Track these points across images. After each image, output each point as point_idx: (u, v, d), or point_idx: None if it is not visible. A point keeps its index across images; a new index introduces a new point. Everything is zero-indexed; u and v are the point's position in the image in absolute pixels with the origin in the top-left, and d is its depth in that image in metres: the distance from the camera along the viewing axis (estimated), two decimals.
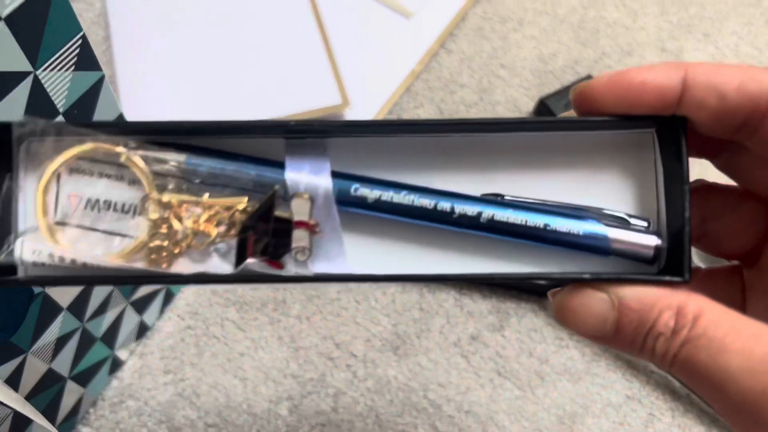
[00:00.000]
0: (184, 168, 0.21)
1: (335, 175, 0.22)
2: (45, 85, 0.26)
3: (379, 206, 0.22)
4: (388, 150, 0.23)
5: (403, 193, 0.22)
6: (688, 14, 0.66)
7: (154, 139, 0.21)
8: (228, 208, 0.21)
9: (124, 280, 0.22)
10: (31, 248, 0.21)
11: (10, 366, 0.33)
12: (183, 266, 0.21)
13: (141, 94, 0.54)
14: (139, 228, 0.21)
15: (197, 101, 0.54)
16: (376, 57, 0.58)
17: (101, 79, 0.29)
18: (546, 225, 0.21)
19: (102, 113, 0.31)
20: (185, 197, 0.21)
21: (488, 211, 0.21)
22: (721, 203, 0.23)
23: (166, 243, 0.21)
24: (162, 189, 0.21)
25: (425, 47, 0.59)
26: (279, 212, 0.21)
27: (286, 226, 0.21)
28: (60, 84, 0.27)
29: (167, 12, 0.58)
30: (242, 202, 0.21)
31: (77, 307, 0.37)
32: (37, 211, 0.21)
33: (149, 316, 0.45)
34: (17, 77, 0.25)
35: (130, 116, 0.33)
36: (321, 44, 0.57)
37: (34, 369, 0.35)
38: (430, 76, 0.59)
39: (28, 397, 0.36)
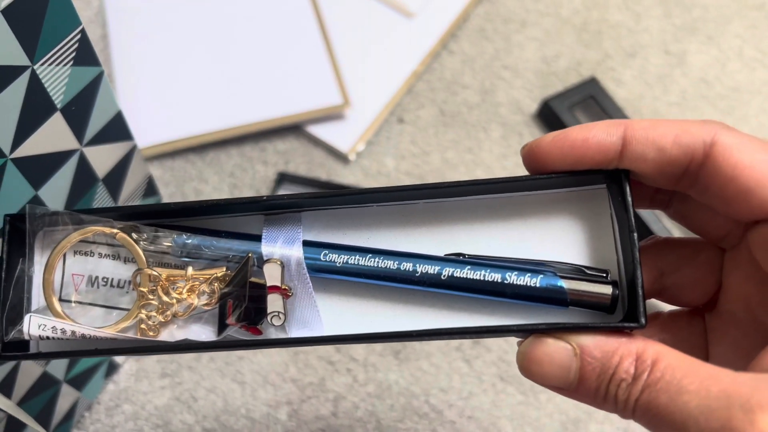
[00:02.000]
0: (171, 246, 0.24)
1: (306, 243, 0.24)
2: (43, 80, 0.26)
3: (348, 270, 0.23)
4: (358, 216, 0.24)
5: (368, 256, 0.23)
6: (692, 17, 0.65)
7: (146, 222, 0.24)
8: (208, 279, 0.24)
9: (118, 351, 0.24)
10: (37, 323, 0.23)
11: (4, 370, 0.33)
12: (169, 335, 0.24)
13: (138, 93, 0.53)
14: (131, 301, 0.24)
15: (196, 101, 0.53)
16: (377, 57, 0.57)
17: (100, 75, 0.29)
18: (504, 279, 0.22)
19: (100, 109, 0.30)
20: (171, 271, 0.24)
21: (448, 269, 0.23)
22: (677, 256, 0.24)
23: (154, 313, 0.24)
24: (152, 264, 0.24)
25: (427, 48, 0.58)
26: (253, 279, 0.23)
27: (261, 291, 0.23)
28: (58, 79, 0.26)
29: (166, 10, 0.57)
30: (221, 271, 0.24)
31: None
32: (44, 289, 0.24)
33: None
34: (14, 72, 0.24)
35: (128, 114, 0.32)
36: (322, 44, 0.56)
37: (28, 373, 0.35)
38: (432, 77, 0.58)
39: (22, 402, 0.35)
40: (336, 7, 0.59)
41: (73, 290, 0.24)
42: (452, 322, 0.24)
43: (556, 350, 0.21)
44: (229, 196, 0.50)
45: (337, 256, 0.23)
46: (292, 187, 0.50)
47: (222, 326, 0.23)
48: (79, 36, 0.26)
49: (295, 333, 0.24)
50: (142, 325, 0.24)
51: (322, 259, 0.24)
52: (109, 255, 0.25)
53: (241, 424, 0.43)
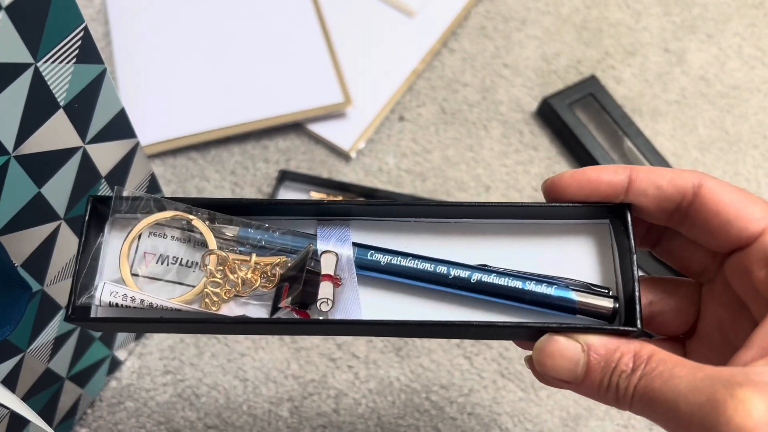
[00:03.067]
0: (237, 235, 0.27)
1: (355, 244, 0.27)
2: (46, 78, 0.26)
3: (390, 269, 0.26)
4: (396, 227, 0.28)
5: (409, 258, 0.26)
6: (692, 15, 0.65)
7: (216, 213, 0.27)
8: (269, 264, 0.26)
9: (181, 321, 0.26)
10: (109, 290, 0.25)
11: (8, 366, 0.33)
12: (228, 311, 0.26)
13: (141, 91, 0.53)
14: (197, 279, 0.27)
15: (198, 99, 0.53)
16: (378, 55, 0.58)
17: (103, 73, 0.29)
18: (524, 287, 0.26)
19: (103, 107, 0.30)
20: (238, 256, 0.27)
21: (477, 275, 0.26)
22: (662, 290, 0.28)
23: (218, 290, 0.26)
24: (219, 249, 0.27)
25: (428, 46, 0.58)
26: (310, 267, 0.26)
27: (315, 278, 0.26)
28: (61, 76, 0.27)
29: (168, 8, 0.57)
30: (281, 259, 0.26)
31: None
32: (121, 261, 0.26)
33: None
34: (18, 69, 0.25)
35: (130, 112, 0.32)
36: (323, 42, 0.56)
37: (32, 369, 0.35)
38: (433, 75, 0.58)
39: (25, 398, 0.36)
40: (337, 5, 0.59)
41: (144, 266, 0.27)
42: (474, 318, 0.27)
43: (567, 347, 0.24)
44: (231, 194, 0.50)
45: (381, 256, 0.26)
46: (294, 185, 0.50)
47: (275, 308, 0.26)
48: (81, 33, 0.27)
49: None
50: (206, 299, 0.26)
51: (368, 257, 0.26)
52: (180, 238, 0.27)
53: (243, 420, 0.43)
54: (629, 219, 0.26)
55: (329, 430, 0.44)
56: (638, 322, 0.24)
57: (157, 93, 0.53)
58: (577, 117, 0.56)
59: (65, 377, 0.38)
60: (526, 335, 0.27)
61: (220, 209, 0.27)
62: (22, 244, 0.30)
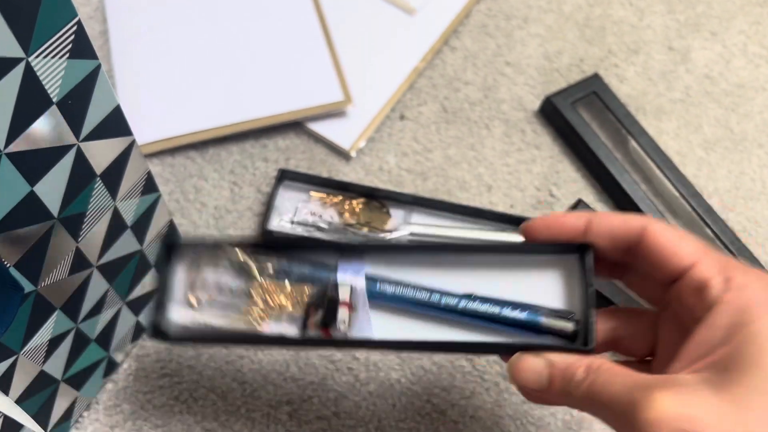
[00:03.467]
0: (276, 268, 0.34)
1: (367, 276, 0.33)
2: (38, 73, 0.25)
3: (394, 298, 0.33)
4: (402, 257, 0.35)
5: (409, 288, 0.33)
6: (695, 12, 0.65)
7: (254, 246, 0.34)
8: (300, 292, 0.33)
9: (236, 338, 0.34)
10: (178, 313, 0.33)
11: (1, 368, 0.32)
12: (268, 329, 0.33)
13: (138, 89, 0.53)
14: (245, 303, 0.33)
15: (196, 97, 0.53)
16: (378, 54, 0.57)
17: (97, 68, 0.28)
18: (500, 312, 0.32)
19: (98, 104, 0.29)
20: (276, 284, 0.34)
21: (463, 303, 0.33)
22: (626, 317, 0.33)
23: (261, 312, 0.33)
24: (263, 277, 0.34)
25: (428, 44, 0.58)
26: (332, 295, 0.33)
27: (335, 304, 0.32)
28: (54, 72, 0.26)
29: (166, 6, 0.57)
30: (309, 288, 0.33)
31: (71, 307, 0.35)
32: (186, 290, 0.34)
33: (145, 317, 0.43)
34: (8, 63, 0.24)
35: (128, 111, 0.32)
36: (323, 40, 0.56)
37: (26, 371, 0.34)
38: (434, 73, 0.58)
39: (19, 401, 0.35)
40: (337, 3, 0.59)
41: (204, 293, 0.34)
42: (462, 339, 0.33)
43: (534, 362, 0.30)
44: (230, 193, 0.50)
45: (387, 286, 0.33)
46: (293, 184, 0.49)
47: (304, 327, 0.33)
48: (75, 28, 0.26)
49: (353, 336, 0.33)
50: (252, 320, 0.33)
51: (377, 289, 0.33)
52: (231, 270, 0.34)
53: (242, 424, 0.42)
54: (586, 258, 0.32)
55: None
56: (592, 342, 0.30)
57: (155, 91, 0.53)
58: (581, 115, 0.55)
59: (60, 380, 0.38)
60: (504, 351, 0.33)
61: (264, 246, 0.34)
62: (14, 245, 0.29)
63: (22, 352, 0.33)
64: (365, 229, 0.48)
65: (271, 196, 0.47)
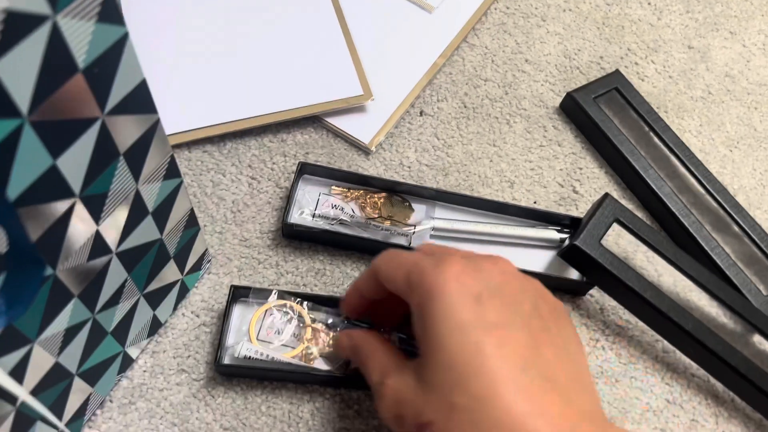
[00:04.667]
0: (324, 317, 0.43)
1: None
2: (65, 34, 0.24)
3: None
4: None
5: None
6: (714, 12, 0.64)
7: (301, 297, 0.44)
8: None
9: (290, 372, 0.42)
10: (246, 347, 0.41)
11: (15, 356, 0.31)
12: (318, 364, 0.41)
13: (156, 83, 0.51)
14: (297, 343, 0.42)
15: (215, 91, 0.52)
16: (398, 50, 0.56)
17: (125, 37, 0.27)
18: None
19: (124, 76, 0.28)
20: (323, 329, 0.42)
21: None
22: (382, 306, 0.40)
23: (312, 351, 0.41)
24: (312, 322, 0.43)
25: (447, 41, 0.57)
26: None
27: None
28: (81, 35, 0.25)
29: (190, 3, 0.56)
30: None
31: (89, 296, 0.34)
32: (251, 329, 0.42)
33: (162, 311, 0.42)
34: (34, 21, 0.23)
35: None
36: (342, 35, 0.55)
37: (40, 362, 0.33)
38: (453, 70, 0.57)
39: (33, 393, 0.33)
40: (357, 1, 0.58)
41: (265, 333, 0.42)
42: None
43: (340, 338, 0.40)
44: (248, 188, 0.48)
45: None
46: (313, 178, 0.48)
47: (347, 364, 0.41)
48: None
49: None
50: (305, 358, 0.41)
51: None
52: (285, 315, 0.43)
53: (262, 422, 0.41)
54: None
55: None
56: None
57: (172, 84, 0.52)
58: (603, 111, 0.54)
59: (75, 373, 0.36)
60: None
61: (314, 299, 0.43)
62: (33, 222, 0.28)
63: (37, 341, 0.32)
64: (387, 223, 0.46)
65: (291, 189, 0.46)
